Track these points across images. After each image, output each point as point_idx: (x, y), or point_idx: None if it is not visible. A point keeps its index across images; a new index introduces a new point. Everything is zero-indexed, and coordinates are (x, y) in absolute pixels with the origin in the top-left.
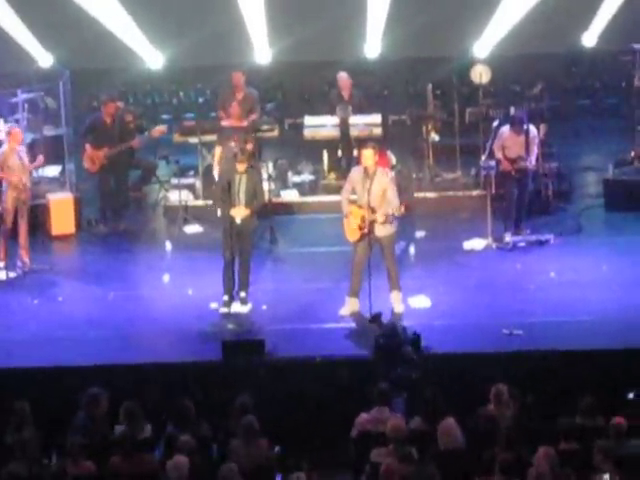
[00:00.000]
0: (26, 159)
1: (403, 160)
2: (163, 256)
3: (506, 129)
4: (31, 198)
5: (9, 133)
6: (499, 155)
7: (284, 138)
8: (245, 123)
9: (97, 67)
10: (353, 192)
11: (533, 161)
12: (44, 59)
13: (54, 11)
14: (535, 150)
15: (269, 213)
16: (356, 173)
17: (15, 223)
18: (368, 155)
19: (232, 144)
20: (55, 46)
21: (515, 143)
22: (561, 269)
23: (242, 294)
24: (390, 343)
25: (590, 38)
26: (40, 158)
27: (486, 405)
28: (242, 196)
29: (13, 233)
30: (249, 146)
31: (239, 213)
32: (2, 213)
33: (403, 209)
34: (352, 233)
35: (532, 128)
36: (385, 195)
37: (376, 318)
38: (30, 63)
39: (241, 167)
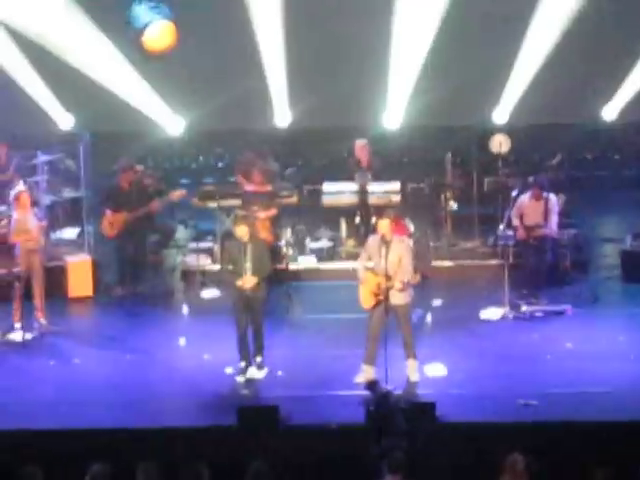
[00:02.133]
0: (34, 220)
1: (421, 228)
2: (180, 320)
3: (525, 196)
4: (48, 260)
5: (16, 198)
6: (516, 222)
7: (303, 204)
8: (269, 188)
9: (118, 130)
10: (369, 260)
11: (553, 228)
12: (65, 121)
13: (76, 74)
14: (555, 218)
15: (286, 279)
16: (373, 241)
17: (30, 285)
18: (384, 224)
19: (254, 208)
20: (76, 109)
21: (534, 210)
22: (578, 340)
23: (258, 359)
24: (380, 412)
25: (611, 112)
26: (44, 222)
27: (499, 476)
28: (249, 265)
29: (29, 295)
30: (272, 211)
31: (247, 282)
32: (17, 274)
33: (419, 277)
34: (367, 300)
35: (552, 196)
36: (401, 263)
37: (371, 386)
38: (51, 125)
39: (241, 231)
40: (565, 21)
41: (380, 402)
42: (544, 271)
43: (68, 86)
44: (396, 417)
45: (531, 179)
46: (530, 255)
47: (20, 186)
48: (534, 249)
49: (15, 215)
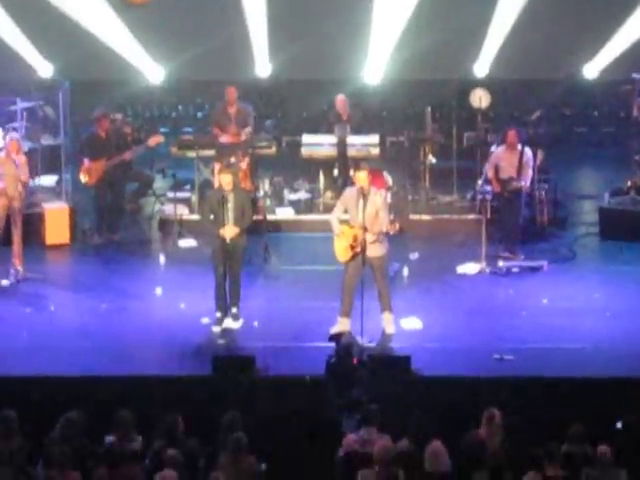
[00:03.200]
0: (25, 169)
1: (399, 181)
2: (157, 269)
3: (501, 148)
4: (26, 207)
5: (8, 141)
6: (490, 174)
7: (281, 156)
8: (243, 138)
9: (97, 79)
10: (345, 212)
11: (527, 183)
12: (44, 69)
13: (55, 22)
14: (530, 172)
15: (264, 230)
16: (350, 193)
17: (9, 231)
18: (362, 176)
19: (231, 159)
20: (55, 57)
21: (509, 163)
22: (554, 296)
23: (234, 310)
24: (342, 364)
25: (592, 71)
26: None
27: (475, 429)
28: (230, 215)
29: (6, 241)
30: (245, 162)
31: (228, 232)
32: None
33: (398, 226)
34: (343, 253)
35: (527, 150)
36: (378, 215)
37: (334, 337)
38: (30, 73)
39: (225, 179)
40: None
41: (341, 354)
42: (519, 225)
43: (47, 33)
44: (358, 370)
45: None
46: (505, 209)
47: (13, 133)
48: (509, 203)
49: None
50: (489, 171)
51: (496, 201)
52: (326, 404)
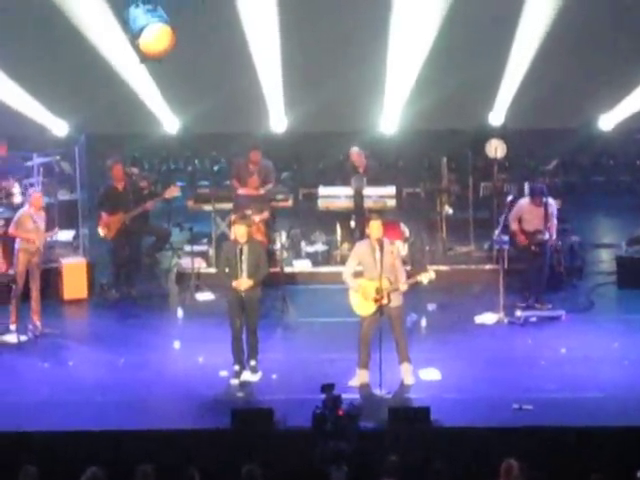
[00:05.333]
0: (42, 224)
1: (416, 232)
2: (174, 323)
3: (525, 201)
4: (44, 262)
5: (30, 197)
6: (514, 226)
7: (298, 208)
8: (262, 192)
9: (112, 133)
10: (358, 265)
11: (553, 235)
12: (59, 128)
13: (68, 75)
14: (555, 223)
15: (281, 282)
16: (363, 246)
17: (27, 286)
18: (377, 226)
19: (248, 212)
20: (70, 112)
21: (535, 216)
22: (572, 345)
23: (252, 362)
24: (327, 415)
25: (608, 123)
26: (55, 229)
27: None
28: (245, 267)
29: (25, 296)
30: (265, 214)
31: (242, 284)
32: (14, 276)
33: (433, 274)
34: (366, 307)
35: (551, 201)
36: (395, 265)
37: (326, 388)
38: (45, 132)
39: (240, 231)
40: (560, 26)
41: (327, 405)
42: (545, 276)
43: (58, 91)
44: (343, 422)
45: (526, 185)
46: (531, 260)
47: (37, 188)
48: (534, 254)
49: (23, 211)
50: (513, 223)
51: (519, 252)
52: (313, 456)
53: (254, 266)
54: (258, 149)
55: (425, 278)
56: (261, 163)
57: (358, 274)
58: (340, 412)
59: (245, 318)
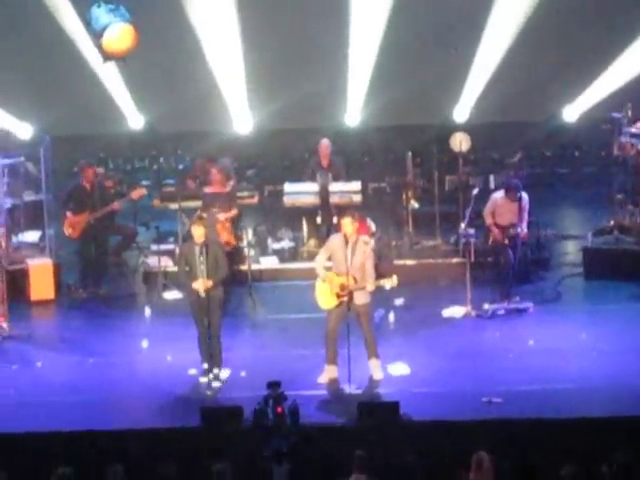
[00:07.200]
0: (4, 226)
1: (383, 227)
2: (142, 322)
3: (499, 195)
4: (10, 263)
5: None
6: (489, 220)
7: (264, 205)
8: (227, 189)
9: (77, 133)
10: (329, 259)
11: (524, 229)
12: (23, 130)
13: (29, 77)
14: (526, 217)
15: (248, 279)
16: (335, 240)
17: None
18: (347, 223)
19: (214, 210)
20: (33, 115)
21: (508, 210)
22: (540, 337)
23: (215, 371)
24: (267, 411)
25: (571, 114)
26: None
27: (464, 473)
28: (204, 268)
29: None
30: (233, 212)
31: (200, 285)
32: None
33: (395, 280)
34: (328, 300)
35: (524, 195)
36: (365, 265)
37: (271, 385)
38: (10, 137)
39: (197, 232)
40: (524, 20)
41: (268, 402)
42: (515, 269)
43: (21, 95)
44: (282, 419)
45: (491, 178)
46: (503, 254)
47: None
48: (506, 248)
49: None
50: (488, 217)
51: (494, 247)
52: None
53: (214, 266)
54: (215, 167)
55: (388, 283)
56: (219, 163)
57: (328, 269)
58: (279, 409)
59: (207, 319)
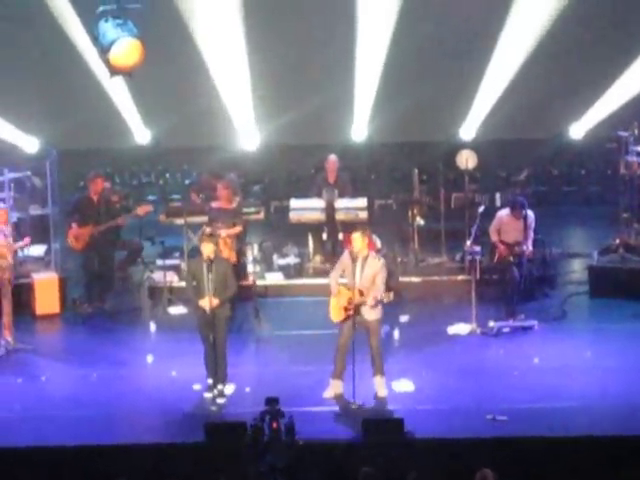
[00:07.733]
0: (11, 238)
1: (388, 244)
2: (147, 337)
3: (504, 213)
4: (15, 277)
5: None
6: (495, 238)
7: (270, 221)
8: (233, 205)
9: (83, 148)
10: (342, 275)
11: (530, 247)
12: (30, 144)
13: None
14: (532, 235)
15: (254, 295)
16: (347, 256)
17: None
18: (357, 238)
19: (217, 225)
20: (40, 129)
21: (514, 228)
22: (545, 355)
23: (220, 387)
24: (262, 427)
25: (578, 131)
26: (27, 239)
27: None
28: (211, 285)
29: None
30: (237, 229)
31: (207, 303)
32: None
33: (392, 296)
34: (337, 313)
35: (530, 213)
36: (375, 280)
37: (269, 401)
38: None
39: (206, 249)
40: (532, 39)
41: (264, 418)
42: (521, 287)
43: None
44: (277, 435)
45: (504, 197)
46: (508, 272)
47: (2, 204)
48: (511, 266)
49: None
50: (493, 235)
51: (499, 265)
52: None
53: (221, 284)
54: (223, 184)
55: (385, 298)
56: (226, 178)
57: (344, 285)
58: (274, 425)
59: (213, 337)
